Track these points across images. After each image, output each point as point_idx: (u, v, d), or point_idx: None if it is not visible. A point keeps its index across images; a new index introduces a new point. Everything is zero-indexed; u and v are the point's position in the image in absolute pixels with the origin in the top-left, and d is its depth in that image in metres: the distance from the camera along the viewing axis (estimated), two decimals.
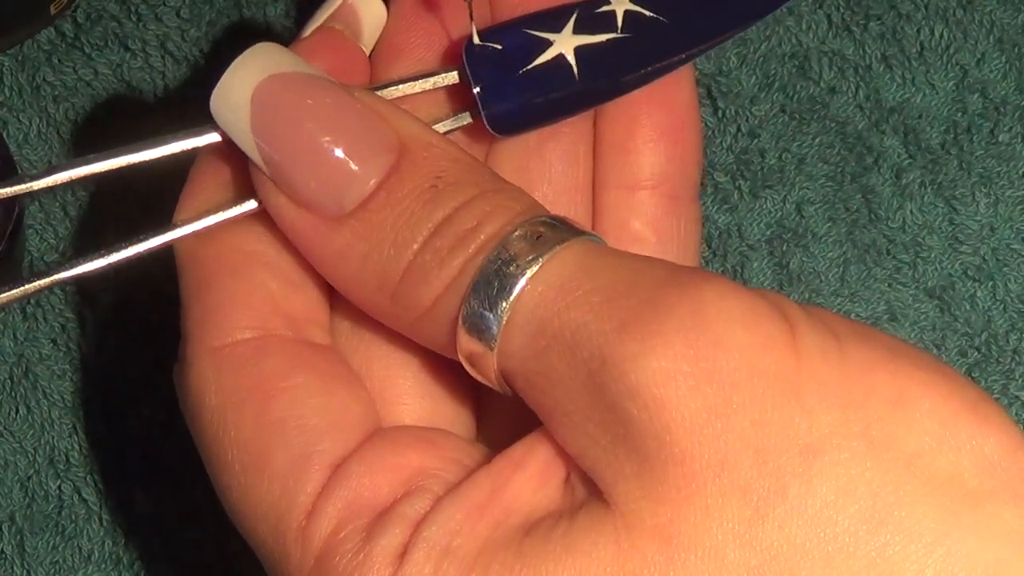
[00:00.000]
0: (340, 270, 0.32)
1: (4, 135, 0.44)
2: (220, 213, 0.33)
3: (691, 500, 0.28)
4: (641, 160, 0.37)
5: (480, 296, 0.30)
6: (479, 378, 0.32)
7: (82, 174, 0.34)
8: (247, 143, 0.32)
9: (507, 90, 0.34)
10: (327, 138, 0.32)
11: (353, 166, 0.32)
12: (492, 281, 0.30)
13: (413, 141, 0.32)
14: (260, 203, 0.33)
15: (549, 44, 0.34)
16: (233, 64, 0.32)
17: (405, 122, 0.33)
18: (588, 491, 0.30)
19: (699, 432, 0.28)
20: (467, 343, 0.31)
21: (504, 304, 0.30)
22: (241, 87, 0.32)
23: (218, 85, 0.32)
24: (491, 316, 0.30)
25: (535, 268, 0.30)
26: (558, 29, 0.35)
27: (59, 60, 0.46)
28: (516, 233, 0.31)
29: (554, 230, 0.31)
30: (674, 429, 0.28)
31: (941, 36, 0.47)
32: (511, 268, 0.30)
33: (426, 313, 0.31)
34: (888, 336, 0.30)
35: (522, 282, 0.30)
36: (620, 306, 0.29)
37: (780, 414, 0.28)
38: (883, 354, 0.29)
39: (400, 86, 0.35)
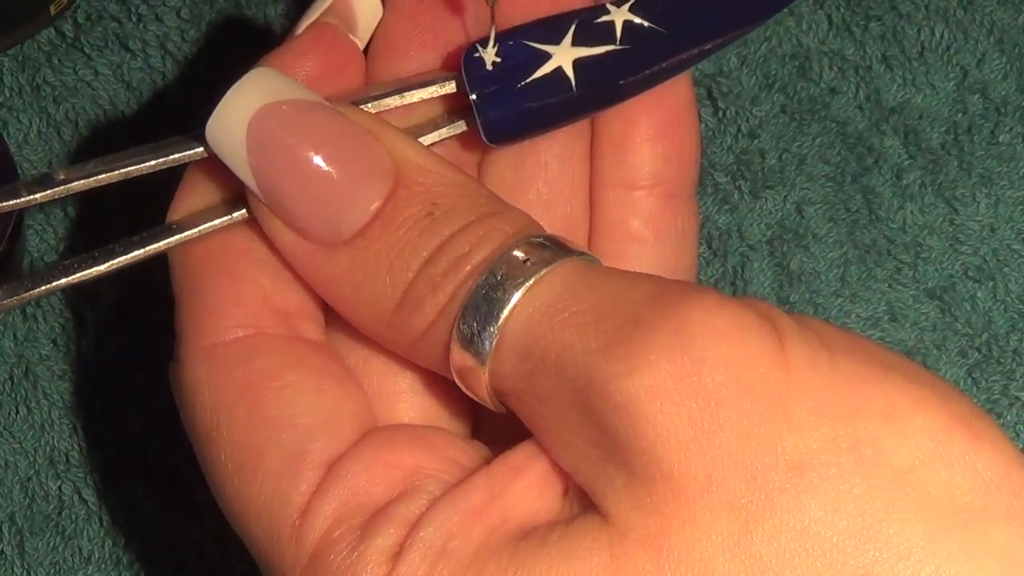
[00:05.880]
0: (336, 295, 0.33)
1: (4, 135, 0.44)
2: (225, 217, 0.33)
3: (679, 513, 0.28)
4: (638, 159, 0.36)
5: (470, 321, 0.31)
6: (474, 397, 0.32)
7: (82, 187, 0.33)
8: (244, 172, 0.32)
9: (505, 104, 0.34)
10: (324, 168, 0.32)
11: (350, 195, 0.32)
12: (480, 306, 0.31)
13: (409, 167, 0.32)
14: None
15: (548, 57, 0.34)
16: (229, 92, 0.32)
17: (401, 146, 0.32)
18: (583, 506, 0.30)
19: (685, 448, 0.28)
20: (460, 366, 0.31)
21: (492, 328, 0.30)
22: (237, 116, 0.32)
23: (214, 114, 0.32)
24: (481, 340, 0.30)
25: (521, 291, 0.30)
26: (557, 40, 0.34)
27: (59, 60, 0.46)
28: (505, 257, 0.31)
29: (544, 251, 0.31)
30: (660, 446, 0.28)
31: (941, 36, 0.47)
32: (498, 292, 0.30)
33: (420, 338, 0.32)
34: (882, 348, 0.30)
35: (509, 305, 0.30)
36: (605, 327, 0.29)
37: (767, 429, 0.28)
38: (875, 367, 0.29)
39: (399, 96, 0.35)
